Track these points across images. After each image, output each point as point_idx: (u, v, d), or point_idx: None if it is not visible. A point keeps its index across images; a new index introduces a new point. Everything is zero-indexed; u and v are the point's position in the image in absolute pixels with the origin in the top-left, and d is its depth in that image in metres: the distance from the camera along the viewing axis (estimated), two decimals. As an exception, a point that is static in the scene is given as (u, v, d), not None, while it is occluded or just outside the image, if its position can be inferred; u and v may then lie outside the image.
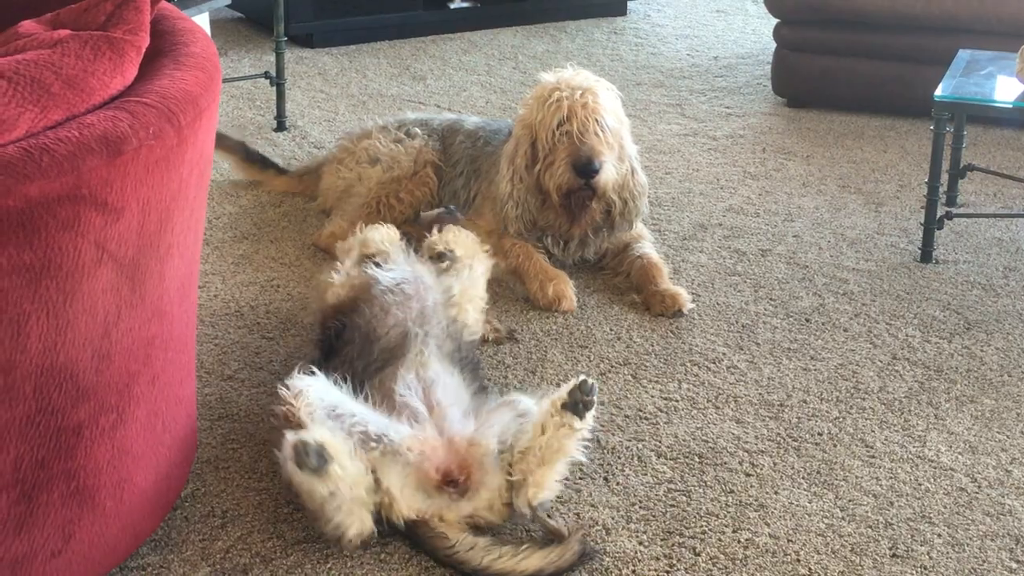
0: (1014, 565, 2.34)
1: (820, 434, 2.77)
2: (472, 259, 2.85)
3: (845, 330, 3.26)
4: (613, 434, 2.75)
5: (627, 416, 2.82)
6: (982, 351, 3.15)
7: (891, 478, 2.61)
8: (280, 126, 4.78)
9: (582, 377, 2.30)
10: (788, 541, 2.40)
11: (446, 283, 2.76)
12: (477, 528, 2.33)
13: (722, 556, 2.35)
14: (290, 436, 2.18)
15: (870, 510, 2.50)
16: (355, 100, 5.20)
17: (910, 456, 2.69)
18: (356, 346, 2.58)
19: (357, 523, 2.23)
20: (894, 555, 2.36)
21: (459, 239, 2.88)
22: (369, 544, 2.33)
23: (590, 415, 2.30)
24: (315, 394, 2.33)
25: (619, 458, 2.65)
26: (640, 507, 2.49)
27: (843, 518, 2.47)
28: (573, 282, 3.41)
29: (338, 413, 2.33)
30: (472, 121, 3.86)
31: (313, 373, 2.41)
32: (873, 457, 2.69)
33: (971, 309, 3.38)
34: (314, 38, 6.05)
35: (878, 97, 5.06)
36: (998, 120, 4.84)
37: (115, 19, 2.11)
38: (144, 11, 2.12)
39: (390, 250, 2.83)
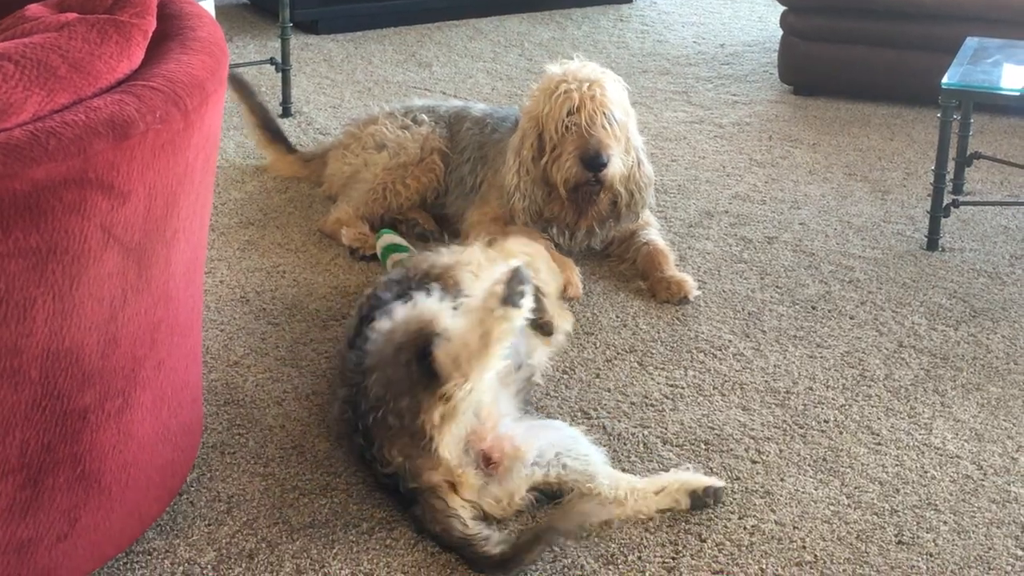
0: (1020, 552, 2.34)
1: (826, 421, 2.77)
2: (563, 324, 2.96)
3: (851, 318, 3.25)
4: (619, 421, 2.74)
5: (633, 403, 2.82)
6: (988, 339, 3.15)
7: (897, 465, 2.60)
8: (286, 112, 4.77)
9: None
10: (794, 528, 2.40)
11: (533, 343, 2.77)
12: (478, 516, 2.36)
13: (728, 543, 2.35)
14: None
15: (876, 497, 2.50)
16: (361, 87, 5.19)
17: (916, 443, 2.69)
18: None
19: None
20: (900, 542, 2.36)
21: (562, 313, 2.98)
22: (374, 530, 2.34)
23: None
24: None
25: (625, 445, 2.65)
26: (646, 493, 2.49)
27: (849, 505, 2.47)
28: (579, 269, 3.41)
29: None
30: (479, 108, 3.84)
31: None
32: (879, 444, 2.68)
33: (977, 297, 3.38)
34: (319, 24, 6.04)
35: (885, 85, 5.05)
36: (1005, 108, 4.83)
37: (122, 2, 2.10)
38: (151, -5, 2.12)
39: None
